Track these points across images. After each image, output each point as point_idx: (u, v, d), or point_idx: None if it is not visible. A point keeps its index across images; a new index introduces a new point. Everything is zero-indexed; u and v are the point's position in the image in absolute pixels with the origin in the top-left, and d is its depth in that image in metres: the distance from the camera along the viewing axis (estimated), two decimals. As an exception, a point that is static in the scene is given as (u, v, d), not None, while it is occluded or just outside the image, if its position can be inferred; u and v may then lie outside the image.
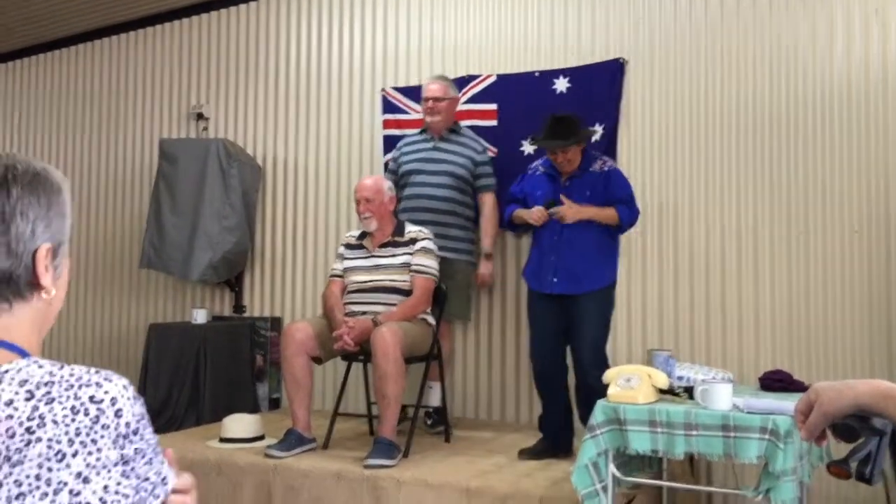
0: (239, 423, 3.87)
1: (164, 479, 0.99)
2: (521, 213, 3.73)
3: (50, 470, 0.87)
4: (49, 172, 1.05)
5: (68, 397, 0.91)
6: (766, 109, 4.04)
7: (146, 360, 4.92)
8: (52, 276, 1.03)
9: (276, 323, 5.25)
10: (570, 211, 3.56)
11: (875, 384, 1.11)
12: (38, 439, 0.88)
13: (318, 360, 3.81)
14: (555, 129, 3.60)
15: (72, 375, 0.94)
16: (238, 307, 5.40)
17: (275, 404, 5.18)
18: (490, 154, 4.40)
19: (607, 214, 3.60)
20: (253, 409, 4.91)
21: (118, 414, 0.93)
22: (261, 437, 3.87)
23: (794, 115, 3.98)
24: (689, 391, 2.84)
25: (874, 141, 3.82)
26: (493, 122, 4.57)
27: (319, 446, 3.71)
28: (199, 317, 5.13)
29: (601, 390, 3.43)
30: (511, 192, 3.90)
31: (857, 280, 3.81)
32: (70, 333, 6.09)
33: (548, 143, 3.62)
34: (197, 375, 4.83)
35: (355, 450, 3.66)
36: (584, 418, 3.57)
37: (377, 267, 3.84)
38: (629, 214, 3.64)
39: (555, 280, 3.60)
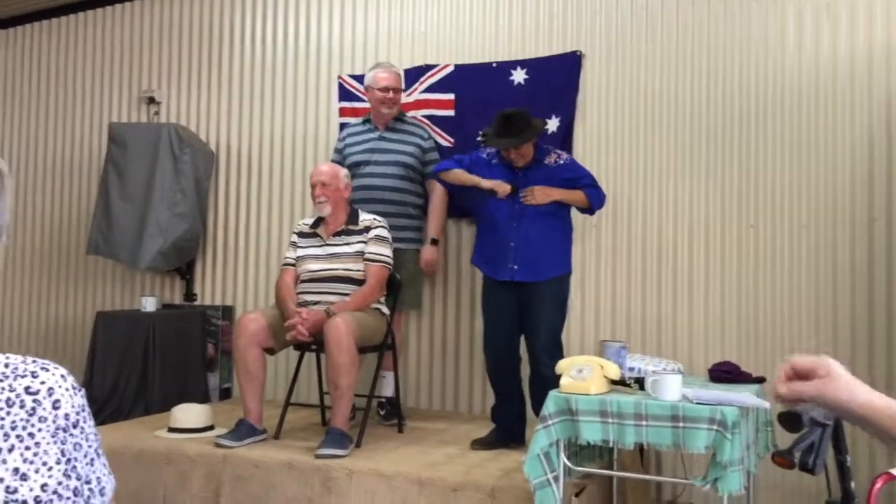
0: (188, 413, 3.82)
1: (102, 488, 0.93)
2: (479, 181, 3.60)
3: None
4: None
5: (3, 389, 0.87)
6: (719, 104, 4.09)
7: (93, 349, 4.82)
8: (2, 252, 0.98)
9: (227, 311, 5.18)
10: (539, 191, 3.54)
11: (876, 403, 1.06)
12: None
13: (270, 351, 3.77)
14: (505, 127, 3.54)
15: (6, 366, 0.89)
16: (189, 295, 5.31)
17: (226, 394, 5.12)
18: (444, 142, 4.39)
19: (575, 197, 3.61)
20: (204, 398, 4.84)
21: (56, 405, 0.88)
22: (211, 427, 3.81)
23: (747, 110, 4.04)
24: (640, 382, 2.87)
25: (823, 137, 3.89)
26: (451, 112, 4.56)
27: (271, 437, 3.67)
28: (149, 305, 5.04)
29: (556, 380, 3.47)
30: (454, 157, 3.85)
31: (804, 274, 3.89)
32: (15, 321, 5.94)
33: (499, 143, 3.57)
34: (146, 364, 4.74)
35: (307, 440, 3.63)
36: (539, 409, 3.59)
37: (331, 255, 3.81)
38: (597, 196, 3.65)
39: (514, 267, 3.58)
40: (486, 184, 3.59)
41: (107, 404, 4.67)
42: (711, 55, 4.12)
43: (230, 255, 5.25)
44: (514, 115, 3.56)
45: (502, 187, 3.54)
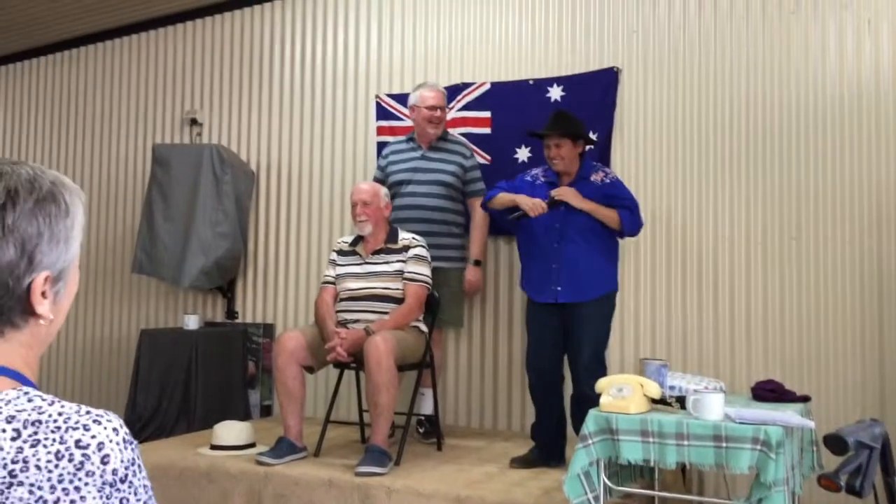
0: (230, 430, 3.86)
1: None
2: (515, 198, 3.60)
3: None
4: (56, 190, 0.97)
5: (54, 441, 0.86)
6: (758, 119, 4.05)
7: (137, 367, 4.90)
8: (51, 301, 0.97)
9: (268, 329, 5.23)
10: (570, 191, 3.50)
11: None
12: (21, 483, 0.83)
13: (310, 370, 3.79)
14: (555, 120, 3.62)
15: (60, 415, 0.89)
16: (230, 313, 5.38)
17: (266, 411, 5.16)
18: (480, 159, 4.39)
19: (607, 213, 3.55)
20: (244, 416, 4.89)
21: (104, 461, 0.87)
22: (252, 445, 3.85)
23: (787, 125, 3.99)
24: (681, 401, 2.84)
25: (866, 151, 3.83)
26: (487, 130, 4.58)
27: (311, 454, 3.69)
28: (191, 323, 5.11)
29: (595, 396, 3.44)
30: (498, 184, 3.84)
31: (848, 289, 3.82)
32: (62, 340, 6.06)
33: (538, 132, 3.62)
34: (188, 382, 4.81)
35: (346, 457, 3.65)
36: (580, 428, 3.56)
37: (370, 274, 3.83)
38: (631, 220, 3.58)
39: (558, 289, 3.57)
40: (521, 201, 3.56)
41: (150, 422, 4.74)
42: (751, 70, 4.08)
43: (270, 273, 5.31)
44: (565, 113, 3.64)
45: (535, 209, 3.50)
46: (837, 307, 3.84)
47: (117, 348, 5.80)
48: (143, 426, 4.71)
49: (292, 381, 3.66)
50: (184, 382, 4.80)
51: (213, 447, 3.81)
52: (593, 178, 3.65)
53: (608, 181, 3.65)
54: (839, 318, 3.83)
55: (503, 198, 3.69)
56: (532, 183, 3.75)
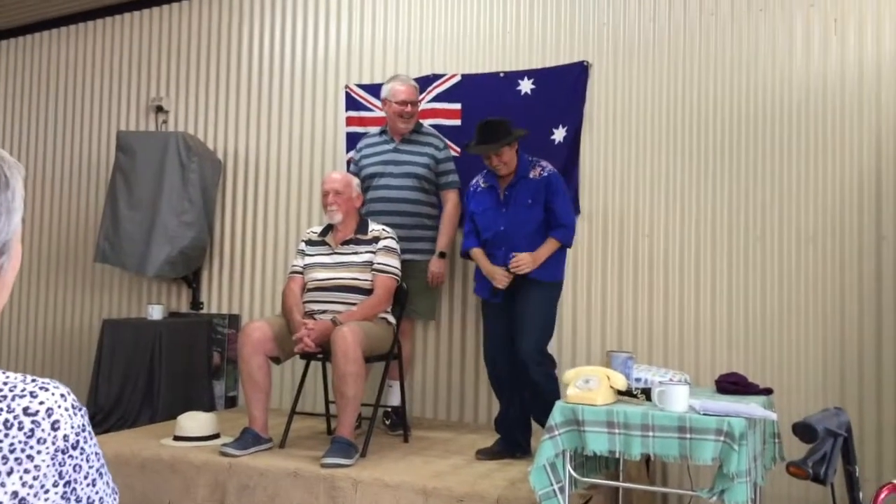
0: (194, 421, 3.82)
1: None
2: (485, 268, 3.67)
3: None
4: None
5: (1, 410, 0.84)
6: (726, 116, 4.09)
7: (99, 357, 4.83)
8: None
9: (233, 320, 5.18)
10: (528, 261, 3.53)
11: None
12: None
13: (276, 360, 3.77)
14: (484, 134, 3.59)
15: (5, 384, 0.87)
16: (195, 304, 5.32)
17: (231, 402, 5.12)
18: (452, 152, 4.38)
19: (551, 247, 3.59)
20: (209, 407, 4.84)
21: (55, 427, 0.86)
22: (216, 436, 3.81)
23: (753, 123, 4.04)
24: (647, 393, 2.86)
25: (830, 150, 3.89)
26: (458, 122, 4.57)
27: (276, 445, 3.66)
28: (155, 313, 5.05)
29: (544, 384, 3.47)
30: (466, 220, 3.88)
31: (811, 285, 3.88)
32: (22, 328, 5.95)
33: (478, 149, 3.61)
34: (151, 372, 4.75)
35: (313, 449, 3.63)
36: (536, 416, 3.58)
37: (339, 264, 3.81)
38: (566, 236, 3.63)
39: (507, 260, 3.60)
40: (490, 277, 3.64)
41: (112, 412, 4.67)
42: (719, 66, 4.12)
43: (237, 263, 5.26)
44: (493, 123, 3.61)
45: (501, 280, 3.58)
46: (800, 303, 3.89)
47: (79, 338, 5.72)
48: (105, 416, 4.64)
49: (258, 372, 3.63)
50: (147, 373, 4.74)
51: (177, 438, 3.77)
52: (531, 174, 3.67)
53: (545, 175, 3.65)
54: (801, 313, 3.89)
55: (478, 259, 3.72)
56: (474, 191, 3.81)
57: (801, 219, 3.92)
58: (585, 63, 4.37)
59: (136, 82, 5.69)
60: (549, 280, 3.61)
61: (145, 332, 4.84)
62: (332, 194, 3.82)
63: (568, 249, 3.74)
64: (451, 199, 4.22)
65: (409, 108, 4.20)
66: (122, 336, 4.85)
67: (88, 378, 4.93)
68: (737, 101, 4.08)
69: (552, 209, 3.61)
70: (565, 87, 4.38)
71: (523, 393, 3.66)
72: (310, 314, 3.73)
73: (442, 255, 4.25)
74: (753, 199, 4.01)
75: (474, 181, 3.86)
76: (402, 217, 4.15)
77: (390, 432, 4.12)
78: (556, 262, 3.66)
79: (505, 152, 3.61)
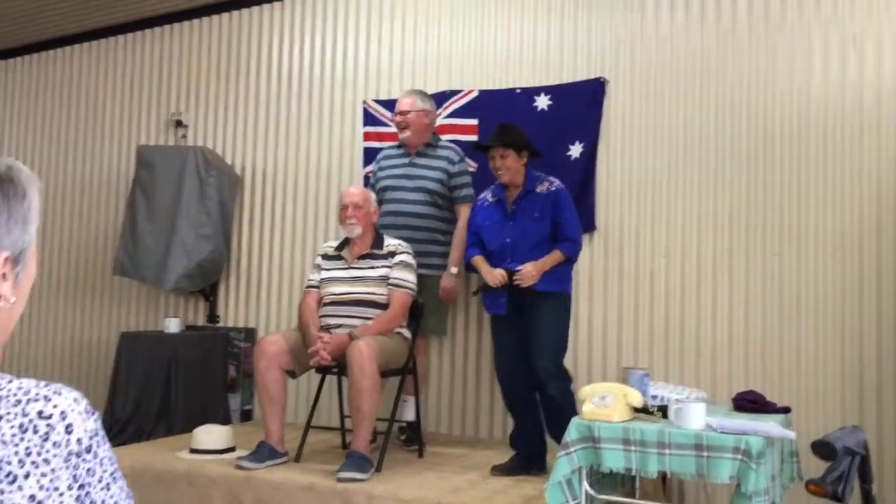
0: (210, 435, 3.83)
1: None
2: (482, 270, 3.68)
3: (2, 493, 0.82)
4: (13, 174, 0.97)
5: (16, 414, 0.85)
6: (743, 133, 4.09)
7: (116, 369, 4.85)
8: (12, 283, 0.96)
9: (250, 334, 5.20)
10: (532, 272, 3.53)
11: None
12: None
13: (292, 374, 3.77)
14: (497, 132, 3.68)
15: (20, 389, 0.88)
16: (212, 317, 5.35)
17: (247, 416, 5.13)
18: (468, 166, 4.38)
19: (555, 258, 3.59)
20: (225, 420, 4.85)
21: (68, 430, 0.87)
22: (232, 449, 3.82)
23: (772, 139, 4.03)
24: (664, 410, 2.85)
25: (849, 166, 3.87)
26: (474, 138, 4.58)
27: (291, 459, 3.67)
28: (172, 326, 5.08)
29: (561, 400, 3.46)
30: (470, 233, 3.89)
31: (830, 303, 3.85)
32: (40, 340, 6.00)
33: (481, 144, 3.70)
34: (168, 385, 4.76)
35: (328, 463, 3.63)
36: (553, 432, 3.57)
37: (355, 279, 3.82)
38: (571, 248, 3.64)
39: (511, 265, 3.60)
40: (486, 276, 3.65)
41: (129, 425, 4.69)
42: (736, 84, 4.12)
43: (253, 277, 5.28)
44: (509, 125, 3.70)
45: (496, 280, 3.59)
46: (819, 321, 3.87)
47: (97, 350, 5.75)
48: (122, 429, 4.66)
49: (273, 385, 3.64)
50: (163, 386, 4.76)
51: (193, 451, 3.78)
52: (539, 189, 3.69)
53: (553, 189, 3.68)
54: (820, 331, 3.86)
55: (477, 265, 3.75)
56: (482, 205, 3.84)
57: (820, 236, 3.90)
58: (602, 80, 4.38)
59: (157, 97, 5.75)
60: (556, 290, 3.61)
61: (162, 345, 4.87)
62: (351, 208, 3.83)
63: (574, 264, 3.75)
64: (463, 213, 4.19)
65: (398, 119, 4.25)
66: (139, 349, 4.87)
67: (105, 390, 4.96)
68: (754, 118, 4.07)
69: (559, 223, 3.62)
70: (582, 103, 4.39)
71: (538, 409, 3.66)
72: (326, 328, 3.74)
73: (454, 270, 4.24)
74: (771, 216, 4.00)
75: (482, 195, 3.89)
76: (413, 231, 4.16)
77: (405, 447, 4.12)
78: (562, 275, 3.66)
79: (510, 156, 3.64)
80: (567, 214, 3.65)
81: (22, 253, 0.97)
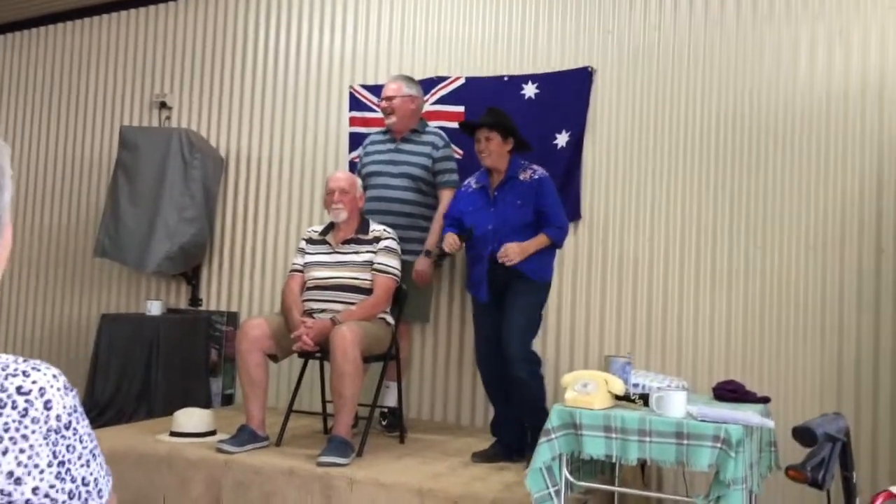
0: (190, 418, 3.82)
1: (99, 490, 0.91)
2: (446, 241, 3.68)
3: None
4: None
5: None
6: (729, 125, 4.10)
7: (97, 351, 4.83)
8: None
9: (232, 317, 5.18)
10: (516, 250, 3.53)
11: None
12: None
13: (274, 358, 3.76)
14: (485, 115, 3.69)
15: None
16: (194, 300, 5.32)
17: (228, 400, 5.12)
18: (454, 153, 4.37)
19: (540, 241, 3.59)
20: (206, 404, 4.84)
21: (47, 406, 0.86)
22: (213, 433, 3.81)
23: (756, 131, 4.04)
24: (645, 398, 2.86)
25: (833, 160, 3.89)
26: (460, 124, 4.57)
27: (272, 444, 3.66)
28: (154, 308, 5.05)
29: (530, 384, 3.47)
30: (449, 216, 3.87)
31: (810, 295, 3.88)
32: (20, 321, 5.95)
33: (466, 123, 3.73)
34: (149, 368, 4.74)
35: (309, 448, 3.63)
36: (522, 415, 3.55)
37: (339, 263, 3.81)
38: (558, 234, 3.63)
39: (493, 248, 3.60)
40: (444, 244, 3.67)
41: (109, 407, 4.67)
42: (723, 75, 4.13)
43: (236, 261, 5.26)
44: (497, 110, 3.71)
45: (448, 244, 3.63)
46: (799, 313, 3.90)
47: (77, 332, 5.71)
48: (102, 411, 4.64)
49: (255, 369, 3.63)
50: (144, 368, 4.74)
51: (173, 434, 3.77)
52: (522, 176, 3.68)
53: (536, 177, 3.66)
54: (800, 322, 3.89)
55: (447, 239, 3.73)
56: (465, 191, 3.82)
57: (803, 228, 3.93)
58: (589, 69, 4.38)
59: (140, 78, 5.70)
60: (536, 279, 3.61)
61: (143, 327, 4.84)
62: (338, 192, 3.82)
63: (558, 252, 3.75)
64: (445, 197, 4.14)
65: (383, 104, 4.24)
66: (120, 331, 4.84)
67: (86, 372, 4.93)
68: (740, 109, 4.08)
69: (544, 211, 3.61)
70: (569, 92, 4.39)
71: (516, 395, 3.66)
72: (309, 313, 3.73)
73: (427, 253, 4.22)
74: (755, 207, 4.02)
75: (467, 181, 3.88)
76: (395, 217, 4.15)
77: (387, 433, 4.12)
78: (545, 263, 3.66)
79: (494, 139, 3.64)
80: (551, 202, 3.64)
81: None
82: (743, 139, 4.07)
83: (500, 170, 3.69)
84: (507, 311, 3.56)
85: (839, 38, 3.92)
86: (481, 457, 3.56)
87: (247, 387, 3.65)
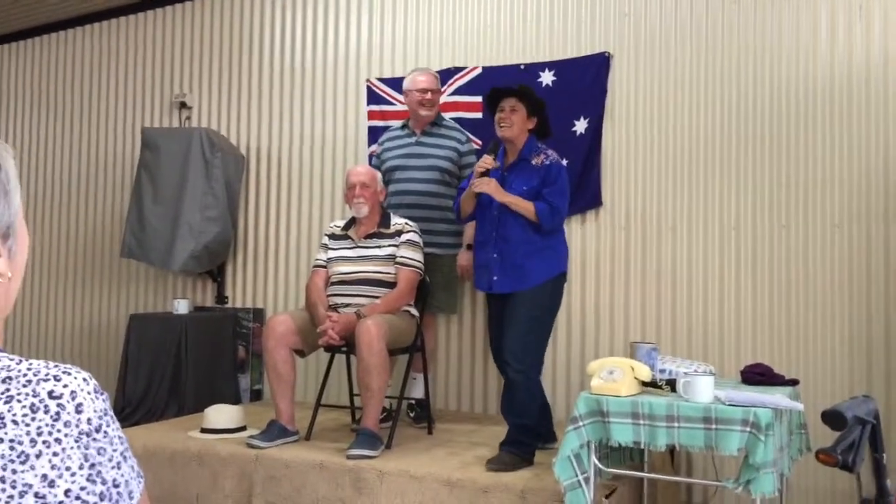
0: (221, 414, 3.86)
1: (130, 492, 0.92)
2: (469, 188, 3.53)
3: (14, 472, 0.82)
4: None
5: (27, 395, 0.86)
6: (749, 105, 4.06)
7: (126, 351, 4.89)
8: (6, 259, 0.95)
9: (258, 314, 5.22)
10: (492, 186, 3.40)
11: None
12: (0, 440, 0.83)
13: (301, 353, 3.79)
14: (516, 87, 3.55)
15: (29, 370, 0.88)
16: (220, 298, 5.37)
17: (256, 396, 5.16)
18: (474, 145, 4.37)
19: (526, 206, 3.38)
20: (235, 400, 4.89)
21: (79, 409, 0.87)
22: (243, 428, 3.85)
23: (777, 111, 4.00)
24: (672, 384, 2.86)
25: (856, 137, 3.85)
26: (478, 115, 4.57)
27: (302, 438, 3.70)
28: (181, 307, 5.10)
29: (520, 386, 3.34)
30: (460, 187, 3.77)
31: (837, 274, 3.85)
32: (50, 323, 6.03)
33: (497, 89, 3.54)
34: (178, 366, 4.80)
35: (338, 441, 3.66)
36: (508, 410, 3.38)
37: (362, 258, 3.83)
38: (547, 215, 3.38)
39: (494, 279, 3.48)
40: (474, 178, 3.49)
41: (140, 405, 4.73)
42: (742, 55, 4.09)
43: (260, 257, 5.30)
44: (529, 88, 3.59)
45: (483, 164, 3.45)
46: (826, 293, 3.86)
47: (106, 333, 5.79)
48: (133, 410, 4.70)
49: (283, 365, 3.66)
50: (174, 367, 4.79)
51: (204, 430, 3.81)
52: (534, 161, 3.49)
53: (547, 163, 3.47)
54: (827, 303, 3.86)
55: (462, 200, 3.63)
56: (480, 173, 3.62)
57: (827, 207, 3.89)
58: (606, 54, 4.36)
59: (160, 79, 5.74)
60: (545, 279, 3.43)
61: (171, 326, 4.90)
62: (359, 187, 3.83)
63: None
64: None
65: (429, 96, 4.19)
66: (148, 330, 4.90)
67: (116, 372, 4.99)
68: (760, 89, 4.04)
69: (543, 194, 3.41)
70: (586, 78, 4.37)
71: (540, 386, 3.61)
72: (333, 307, 3.75)
73: (469, 247, 4.24)
74: (778, 187, 3.98)
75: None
76: (424, 210, 4.15)
77: (415, 424, 4.14)
78: (549, 258, 3.47)
79: (519, 111, 3.48)
80: (552, 187, 3.42)
81: (10, 227, 0.96)
82: (763, 120, 4.03)
83: (517, 146, 3.53)
84: (507, 316, 3.42)
85: (859, 13, 3.86)
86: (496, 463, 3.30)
87: (274, 382, 3.68)
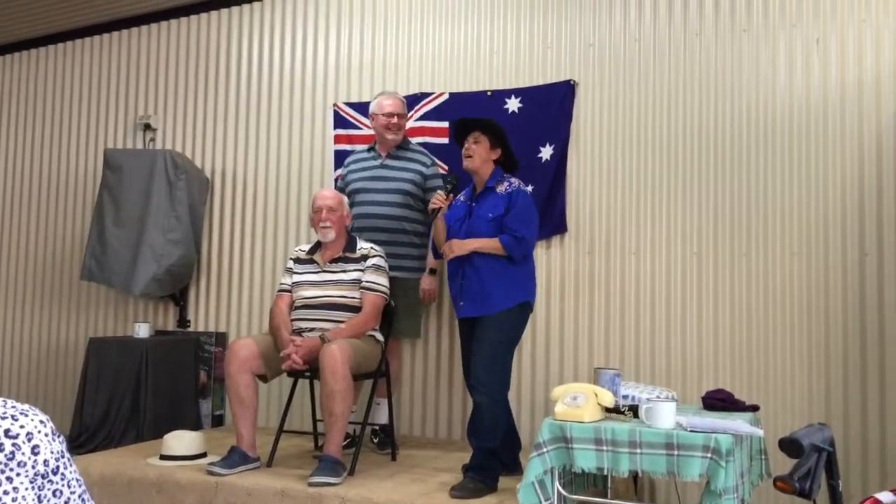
0: (180, 440, 3.79)
1: None
2: (438, 220, 3.66)
3: None
4: None
5: None
6: (710, 134, 4.14)
7: (85, 375, 4.80)
8: None
9: (220, 338, 5.17)
10: (456, 245, 3.48)
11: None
12: None
13: (263, 378, 3.75)
14: (479, 118, 3.65)
15: None
16: (182, 322, 5.30)
17: (218, 421, 5.09)
18: (439, 168, 4.38)
19: (492, 245, 3.44)
20: (196, 426, 4.81)
21: (35, 451, 0.87)
22: (203, 455, 3.79)
23: (738, 141, 4.08)
24: (634, 410, 2.87)
25: (814, 167, 3.93)
26: (444, 140, 4.59)
27: (263, 464, 3.65)
28: (142, 331, 5.03)
29: (486, 409, 3.34)
30: (429, 221, 3.83)
31: (796, 301, 3.91)
32: (6, 347, 5.91)
33: (462, 120, 3.65)
34: (138, 391, 4.72)
35: (300, 468, 3.61)
36: (476, 433, 3.39)
37: (327, 282, 3.81)
38: (513, 246, 3.43)
39: (461, 304, 3.54)
40: (430, 216, 3.66)
41: (98, 431, 4.64)
42: (703, 86, 4.17)
43: (224, 281, 5.25)
44: (493, 120, 3.66)
45: (437, 202, 3.59)
46: (786, 319, 3.92)
47: (64, 356, 5.68)
48: (91, 436, 4.61)
49: (245, 390, 3.61)
50: (133, 391, 4.71)
51: (163, 457, 3.74)
52: (499, 189, 3.56)
53: (510, 190, 3.53)
54: (787, 329, 3.92)
55: (436, 232, 3.73)
56: (455, 205, 3.71)
57: (786, 235, 3.96)
58: (572, 82, 4.41)
59: (124, 100, 5.70)
60: (509, 307, 3.44)
61: (132, 350, 4.82)
62: (325, 211, 3.81)
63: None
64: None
65: (395, 120, 4.19)
66: (108, 354, 4.82)
67: (74, 396, 4.89)
68: (721, 119, 4.12)
69: (506, 223, 3.46)
70: (552, 105, 4.42)
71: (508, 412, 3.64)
72: (297, 332, 3.72)
73: (432, 271, 4.24)
74: (738, 215, 4.05)
75: (458, 195, 3.79)
76: (387, 234, 4.14)
77: (378, 451, 4.11)
78: (517, 286, 3.49)
79: (483, 143, 3.56)
80: (516, 213, 3.47)
81: None
82: (725, 148, 4.10)
83: (482, 176, 3.60)
84: (475, 340, 3.45)
85: (816, 46, 3.96)
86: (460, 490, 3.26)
87: (236, 408, 3.63)
